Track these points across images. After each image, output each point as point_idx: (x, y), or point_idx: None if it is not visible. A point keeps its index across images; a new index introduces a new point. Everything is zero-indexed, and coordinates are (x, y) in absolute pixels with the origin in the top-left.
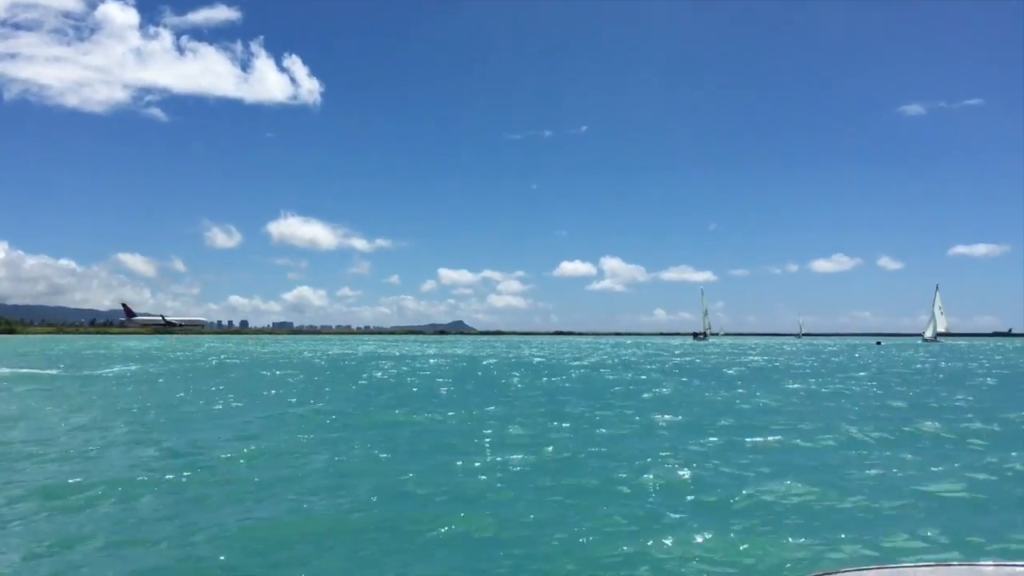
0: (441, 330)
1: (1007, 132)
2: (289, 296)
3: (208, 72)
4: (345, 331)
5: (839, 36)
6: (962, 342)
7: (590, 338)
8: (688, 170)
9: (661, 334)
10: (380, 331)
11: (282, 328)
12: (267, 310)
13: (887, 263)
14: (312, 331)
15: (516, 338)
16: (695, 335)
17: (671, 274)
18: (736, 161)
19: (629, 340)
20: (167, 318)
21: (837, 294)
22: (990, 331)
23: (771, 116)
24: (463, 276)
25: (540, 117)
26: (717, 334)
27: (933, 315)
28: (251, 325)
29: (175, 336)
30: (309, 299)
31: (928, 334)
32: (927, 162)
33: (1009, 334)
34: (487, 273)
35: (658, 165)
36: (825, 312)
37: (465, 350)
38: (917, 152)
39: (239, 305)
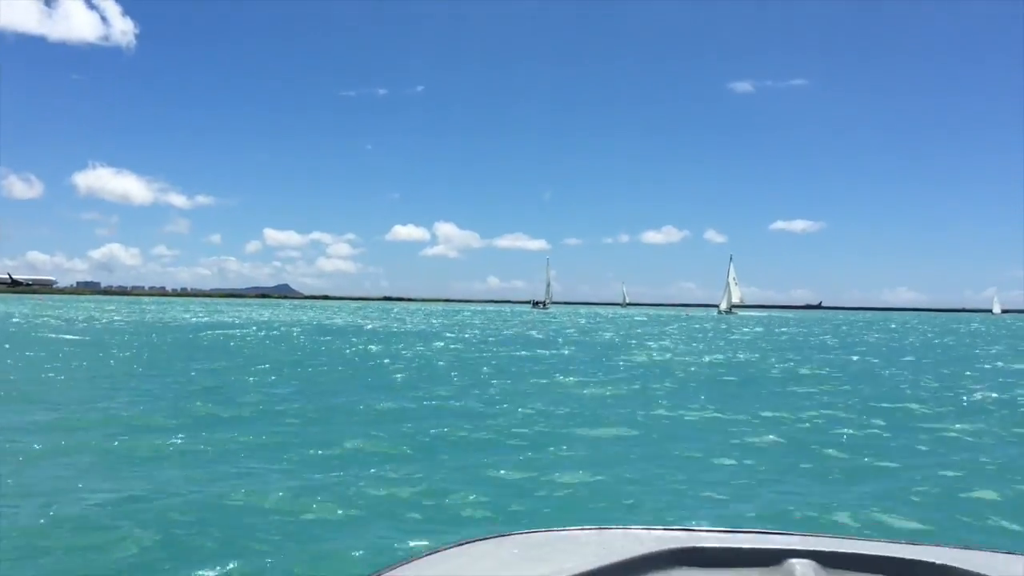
0: (264, 293)
1: (828, 113)
2: (97, 254)
3: (6, 5)
4: (159, 292)
5: (674, 12)
6: (757, 313)
7: (421, 304)
8: (525, 137)
9: (494, 301)
10: (198, 293)
11: (88, 288)
12: (71, 268)
13: (713, 236)
14: (122, 292)
15: (345, 304)
16: (534, 303)
17: (505, 241)
18: (572, 132)
19: (468, 309)
20: (14, 276)
21: (666, 265)
22: (802, 304)
23: (607, 90)
24: (291, 237)
25: (375, 74)
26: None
27: (727, 286)
28: (54, 284)
29: None
30: (120, 257)
31: (723, 306)
32: (753, 139)
33: (819, 307)
34: (316, 235)
35: (495, 131)
36: (654, 283)
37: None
38: (744, 129)
39: (39, 262)
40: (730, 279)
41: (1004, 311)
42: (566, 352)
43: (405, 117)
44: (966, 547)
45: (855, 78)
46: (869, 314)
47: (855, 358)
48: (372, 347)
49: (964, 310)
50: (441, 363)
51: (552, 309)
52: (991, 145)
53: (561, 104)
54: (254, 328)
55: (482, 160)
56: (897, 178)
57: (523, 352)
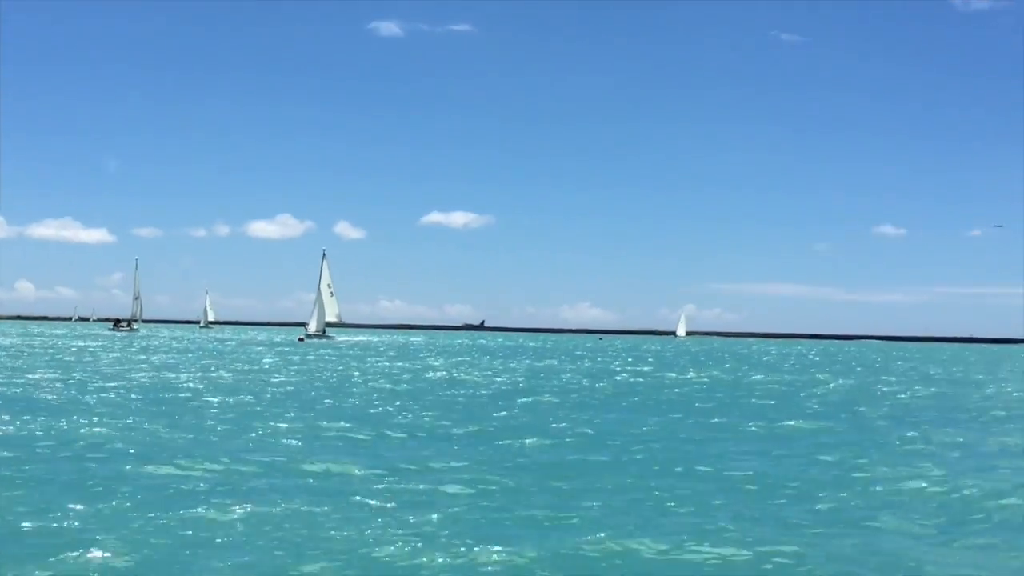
0: None
1: (499, 70)
2: None
3: None
4: None
5: None
6: (368, 335)
7: None
8: (70, 72)
9: (22, 318)
10: None
11: None
12: None
13: (346, 230)
14: None
15: None
16: (116, 323)
17: (46, 229)
18: (145, 76)
19: None
20: None
21: (281, 269)
22: (461, 323)
23: (197, 27)
24: None
25: None
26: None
27: (319, 297)
28: None
29: None
30: None
31: (311, 327)
32: (401, 100)
33: (481, 327)
34: None
35: (24, 58)
36: (264, 292)
37: None
38: (390, 87)
39: None
40: (323, 286)
41: (689, 333)
42: None
43: None
44: None
45: (539, 23)
46: (546, 338)
47: None
48: None
49: (655, 332)
50: None
51: (141, 330)
52: (710, 130)
53: (124, 37)
54: None
55: (3, 104)
56: (584, 155)
57: None
